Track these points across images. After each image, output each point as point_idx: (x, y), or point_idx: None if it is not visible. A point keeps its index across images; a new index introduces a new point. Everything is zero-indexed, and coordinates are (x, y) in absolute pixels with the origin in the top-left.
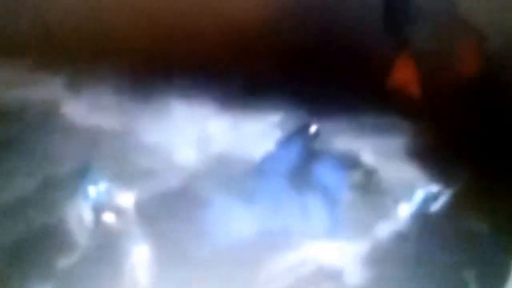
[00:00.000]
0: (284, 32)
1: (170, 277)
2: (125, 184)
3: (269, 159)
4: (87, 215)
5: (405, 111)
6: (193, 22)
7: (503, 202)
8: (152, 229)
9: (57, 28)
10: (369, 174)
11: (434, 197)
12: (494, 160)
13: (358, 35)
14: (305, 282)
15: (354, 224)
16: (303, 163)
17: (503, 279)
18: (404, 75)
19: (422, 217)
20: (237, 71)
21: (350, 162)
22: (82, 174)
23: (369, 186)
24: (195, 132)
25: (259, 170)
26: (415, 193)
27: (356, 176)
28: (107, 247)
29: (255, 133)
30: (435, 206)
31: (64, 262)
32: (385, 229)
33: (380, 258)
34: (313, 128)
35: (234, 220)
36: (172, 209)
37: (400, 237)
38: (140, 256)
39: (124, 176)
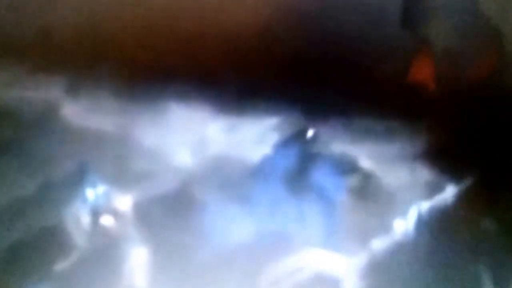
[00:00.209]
0: (281, 35)
1: (168, 280)
2: (123, 187)
3: (266, 162)
4: (85, 218)
5: (410, 113)
6: (191, 26)
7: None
8: (150, 232)
9: (56, 30)
10: (367, 178)
11: (435, 202)
12: (502, 165)
13: (359, 40)
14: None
15: (351, 229)
16: (300, 167)
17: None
18: (421, 72)
19: (422, 222)
20: (234, 74)
21: (347, 166)
22: (80, 177)
23: (367, 191)
24: (193, 135)
25: (257, 173)
26: (414, 198)
27: (354, 180)
28: (105, 249)
29: (253, 136)
30: (436, 210)
31: (62, 264)
32: (384, 234)
33: (379, 264)
34: (310, 132)
35: (232, 224)
36: (170, 212)
37: (400, 242)
38: (138, 259)
39: (122, 178)
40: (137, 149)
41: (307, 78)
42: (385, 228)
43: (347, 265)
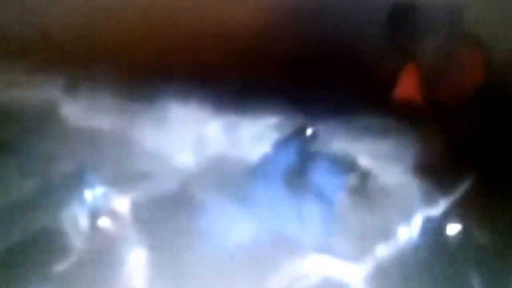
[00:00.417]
0: (280, 34)
1: (167, 282)
2: (122, 188)
3: (266, 161)
4: (84, 219)
5: (407, 119)
6: (191, 25)
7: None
8: (149, 234)
9: (55, 30)
10: (366, 177)
11: (434, 203)
12: (497, 169)
13: (357, 38)
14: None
15: (351, 231)
16: (300, 165)
17: None
18: (409, 86)
19: (422, 223)
20: (233, 73)
21: (347, 165)
22: (78, 178)
23: (367, 190)
24: (192, 135)
25: (256, 172)
26: (414, 197)
27: (353, 179)
28: (104, 251)
29: (252, 135)
30: (436, 213)
31: (60, 266)
32: (384, 236)
33: (379, 268)
34: (309, 131)
35: (232, 225)
36: (169, 213)
37: (402, 244)
38: (137, 260)
39: (121, 179)
40: (136, 149)
41: (306, 77)
42: (386, 229)
43: (347, 269)
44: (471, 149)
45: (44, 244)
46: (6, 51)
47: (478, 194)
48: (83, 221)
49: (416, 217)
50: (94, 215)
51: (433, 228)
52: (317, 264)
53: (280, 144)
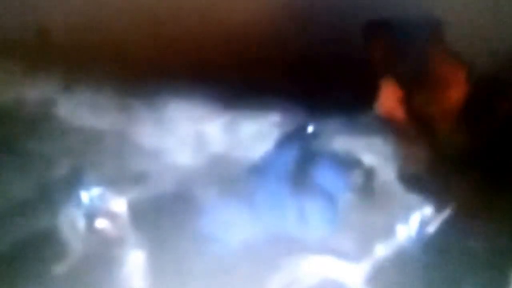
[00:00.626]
0: (281, 32)
1: (166, 284)
2: (121, 188)
3: (267, 160)
4: (81, 220)
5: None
6: (191, 23)
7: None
8: (147, 235)
9: (53, 29)
10: (368, 174)
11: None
12: (491, 172)
13: (358, 37)
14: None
15: (355, 230)
16: (301, 163)
17: None
18: (389, 103)
19: (421, 224)
20: (234, 71)
21: (348, 163)
22: (76, 178)
23: (369, 187)
24: (193, 134)
25: (257, 171)
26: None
27: (355, 176)
28: (101, 253)
29: (253, 133)
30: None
31: (57, 268)
32: (387, 235)
33: (378, 268)
34: (311, 128)
35: (232, 225)
36: (168, 213)
37: (402, 245)
38: (135, 262)
39: (119, 179)
40: (134, 149)
41: (307, 74)
42: (387, 229)
43: (348, 269)
44: (464, 162)
45: (41, 246)
46: (3, 50)
47: (475, 197)
48: (80, 223)
49: (415, 217)
50: (91, 216)
51: (432, 229)
52: (317, 264)
53: (282, 142)
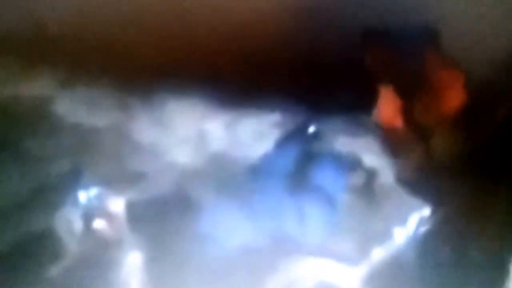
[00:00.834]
0: (282, 32)
1: (164, 284)
2: (118, 187)
3: (267, 160)
4: (78, 221)
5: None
6: (190, 21)
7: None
8: (146, 236)
9: (51, 26)
10: (369, 176)
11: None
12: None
13: (359, 39)
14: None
15: (354, 232)
16: (301, 163)
17: None
18: (388, 111)
19: (419, 227)
20: (234, 70)
21: (349, 163)
22: (73, 178)
23: (369, 189)
24: (192, 133)
25: (257, 171)
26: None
27: (355, 178)
28: (98, 254)
29: (253, 133)
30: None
31: (54, 269)
32: (386, 237)
33: (375, 271)
34: (312, 128)
35: (231, 226)
36: (168, 213)
37: (399, 248)
38: (133, 263)
39: (118, 178)
40: (133, 148)
41: (308, 75)
42: (387, 231)
43: (345, 272)
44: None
45: (37, 247)
46: (2, 48)
47: (472, 201)
48: (78, 223)
49: (413, 220)
50: (89, 216)
51: (430, 232)
52: (315, 267)
53: (282, 143)
